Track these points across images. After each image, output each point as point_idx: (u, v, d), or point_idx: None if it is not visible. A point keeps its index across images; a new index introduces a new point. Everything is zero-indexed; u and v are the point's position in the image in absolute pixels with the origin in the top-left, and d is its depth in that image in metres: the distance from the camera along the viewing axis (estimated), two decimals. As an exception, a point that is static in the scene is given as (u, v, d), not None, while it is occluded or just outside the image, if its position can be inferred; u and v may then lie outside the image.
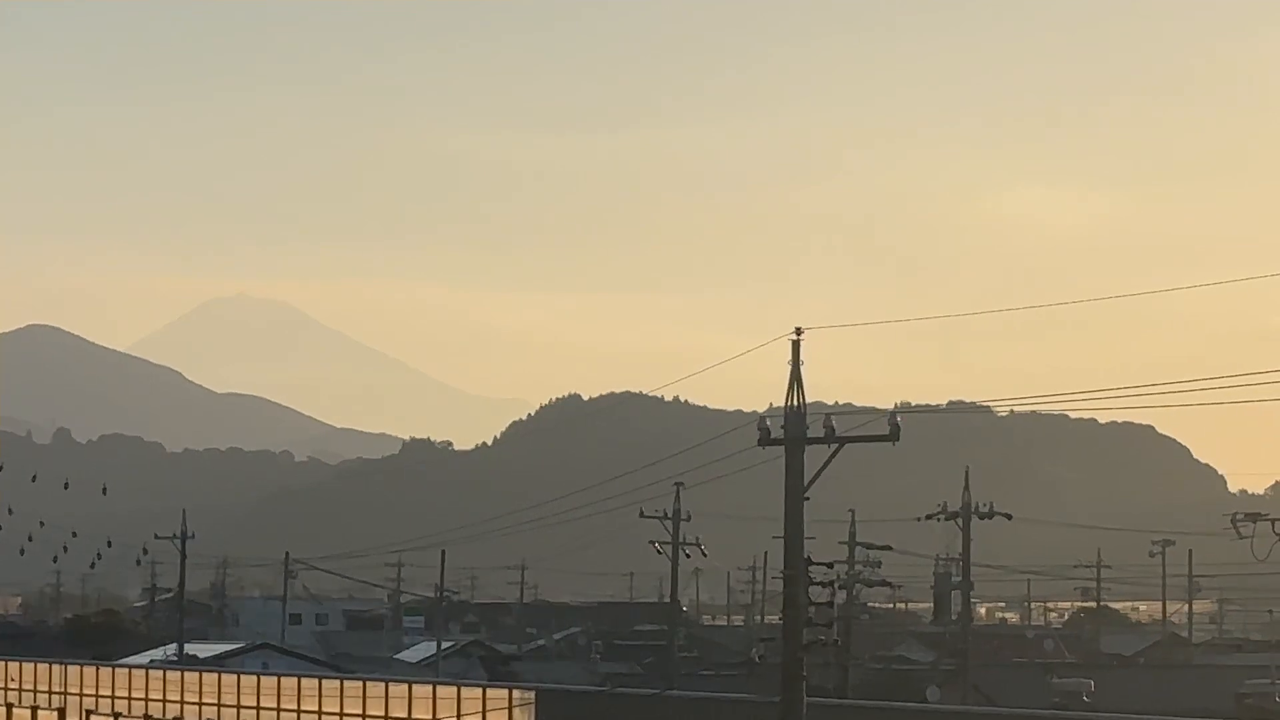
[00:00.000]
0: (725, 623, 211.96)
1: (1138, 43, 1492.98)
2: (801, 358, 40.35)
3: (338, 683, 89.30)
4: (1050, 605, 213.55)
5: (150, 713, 76.99)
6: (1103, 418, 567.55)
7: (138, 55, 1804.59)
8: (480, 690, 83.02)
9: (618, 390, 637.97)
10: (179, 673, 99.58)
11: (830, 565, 44.34)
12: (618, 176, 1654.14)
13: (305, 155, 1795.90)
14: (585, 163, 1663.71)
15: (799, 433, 39.96)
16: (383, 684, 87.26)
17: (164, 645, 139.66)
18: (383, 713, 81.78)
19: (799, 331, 40.22)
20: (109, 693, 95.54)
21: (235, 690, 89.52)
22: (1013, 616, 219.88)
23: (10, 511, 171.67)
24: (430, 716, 79.50)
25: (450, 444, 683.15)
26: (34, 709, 66.01)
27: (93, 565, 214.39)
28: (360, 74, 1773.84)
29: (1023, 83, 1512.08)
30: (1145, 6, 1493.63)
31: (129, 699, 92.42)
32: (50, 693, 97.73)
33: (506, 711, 77.62)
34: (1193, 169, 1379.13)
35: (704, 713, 74.94)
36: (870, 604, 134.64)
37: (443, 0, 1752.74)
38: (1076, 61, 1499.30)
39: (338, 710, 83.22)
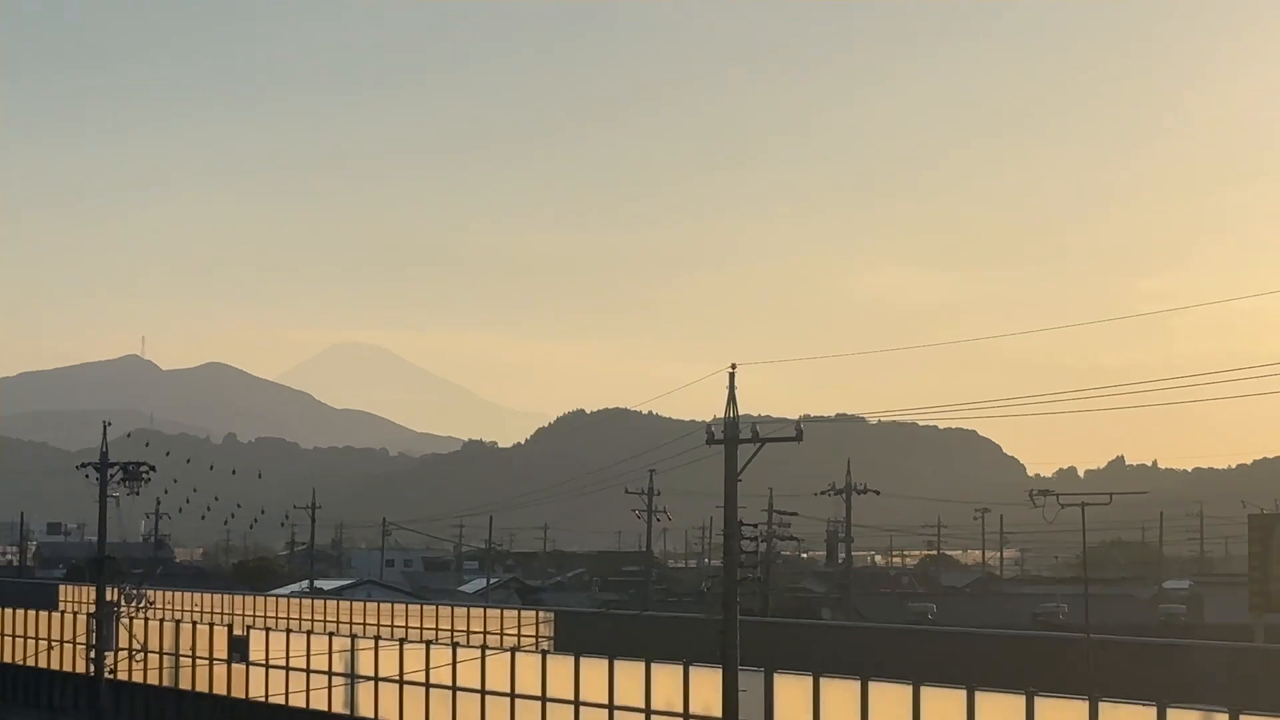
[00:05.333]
0: (684, 565, 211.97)
1: (966, 155, 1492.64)
2: (736, 384, 40.64)
3: (419, 607, 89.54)
4: (906, 553, 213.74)
5: (291, 628, 77.58)
6: (941, 425, 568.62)
7: (290, 151, 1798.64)
8: (516, 612, 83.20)
9: (610, 406, 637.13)
10: (310, 600, 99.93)
11: (755, 526, 44.66)
12: (607, 263, 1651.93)
13: (399, 239, 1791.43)
14: (591, 251, 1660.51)
15: (734, 436, 40.14)
16: (450, 607, 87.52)
17: (300, 581, 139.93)
18: (449, 627, 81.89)
19: (734, 366, 40.48)
20: (263, 614, 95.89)
21: (349, 612, 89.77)
22: (880, 560, 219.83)
23: (195, 490, 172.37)
24: (481, 629, 79.61)
25: (496, 443, 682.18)
26: (212, 627, 66.22)
27: (251, 526, 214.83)
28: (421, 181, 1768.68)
29: (902, 183, 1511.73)
30: (977, 129, 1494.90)
31: (276, 618, 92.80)
32: (224, 614, 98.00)
33: (534, 626, 77.65)
34: (1008, 253, 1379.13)
35: (670, 627, 75.18)
36: (782, 553, 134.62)
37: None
38: (931, 168, 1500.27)
39: (419, 624, 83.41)
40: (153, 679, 66.35)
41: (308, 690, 57.32)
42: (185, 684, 65.16)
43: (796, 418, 40.55)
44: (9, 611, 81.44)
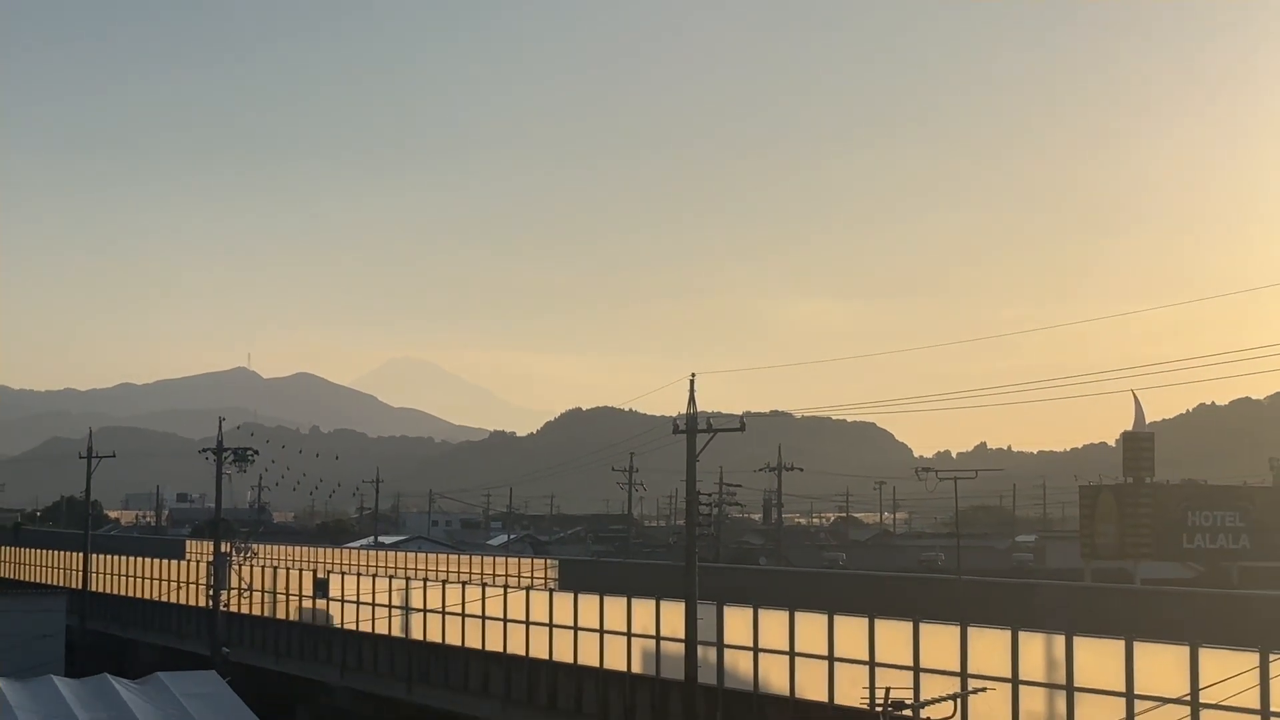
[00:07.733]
0: (656, 525, 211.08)
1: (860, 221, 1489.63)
2: (696, 388, 40.83)
3: (457, 556, 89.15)
4: (823, 515, 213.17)
5: (360, 572, 77.24)
6: (850, 419, 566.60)
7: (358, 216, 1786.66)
8: (530, 560, 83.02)
9: (601, 405, 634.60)
10: (375, 551, 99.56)
11: (709, 495, 44.90)
12: (599, 296, 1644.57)
13: (443, 279, 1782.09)
14: (587, 287, 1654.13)
15: (693, 427, 40.38)
16: (480, 556, 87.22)
17: (367, 537, 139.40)
18: (480, 571, 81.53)
19: (694, 375, 40.74)
20: (339, 562, 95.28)
21: (404, 560, 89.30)
22: (804, 520, 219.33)
23: (288, 469, 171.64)
24: (504, 573, 79.31)
25: (514, 433, 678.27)
26: (301, 571, 66.16)
27: (330, 496, 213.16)
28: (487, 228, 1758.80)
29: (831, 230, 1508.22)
30: (880, 197, 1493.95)
31: (350, 565, 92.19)
32: (309, 562, 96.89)
33: (544, 571, 77.39)
34: (902, 288, 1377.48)
35: (645, 571, 75.02)
36: (730, 515, 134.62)
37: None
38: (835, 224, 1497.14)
39: (457, 570, 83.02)
40: (256, 611, 66.37)
41: (374, 619, 57.55)
42: (281, 615, 65.20)
43: (740, 413, 40.79)
44: (148, 560, 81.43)
